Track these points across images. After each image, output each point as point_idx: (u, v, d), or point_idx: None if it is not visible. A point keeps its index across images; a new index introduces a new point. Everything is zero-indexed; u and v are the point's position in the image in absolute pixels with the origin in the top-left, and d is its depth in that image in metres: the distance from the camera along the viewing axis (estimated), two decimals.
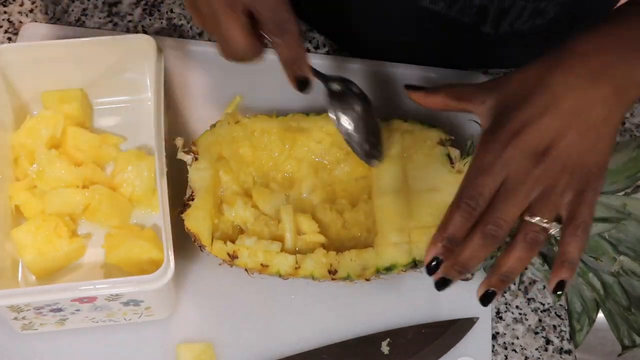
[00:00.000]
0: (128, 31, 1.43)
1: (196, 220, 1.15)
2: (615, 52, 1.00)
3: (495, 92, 1.06)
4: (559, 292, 1.05)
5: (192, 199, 1.16)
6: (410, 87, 1.17)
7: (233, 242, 1.15)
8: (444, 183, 1.17)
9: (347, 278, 1.14)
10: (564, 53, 1.02)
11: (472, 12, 1.27)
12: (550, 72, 1.01)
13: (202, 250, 1.16)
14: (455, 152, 1.18)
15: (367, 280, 1.15)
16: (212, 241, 1.15)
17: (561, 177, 0.99)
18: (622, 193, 1.13)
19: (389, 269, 1.14)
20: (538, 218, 0.99)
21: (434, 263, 1.01)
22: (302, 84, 1.09)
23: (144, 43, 1.22)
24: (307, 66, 1.09)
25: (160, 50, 1.22)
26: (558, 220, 1.02)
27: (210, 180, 1.17)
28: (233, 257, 1.14)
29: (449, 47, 1.39)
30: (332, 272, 1.14)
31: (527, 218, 1.01)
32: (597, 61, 0.99)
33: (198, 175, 1.17)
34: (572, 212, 1.01)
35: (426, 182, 1.17)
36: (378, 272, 1.14)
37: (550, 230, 1.01)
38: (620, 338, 1.17)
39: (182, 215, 1.15)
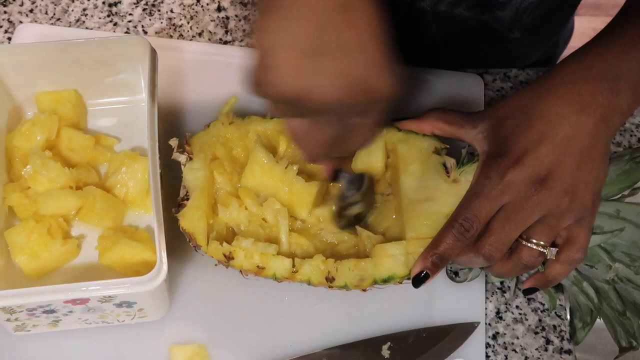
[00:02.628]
0: (128, 31, 1.43)
1: (191, 220, 1.14)
2: (600, 82, 1.03)
3: (487, 117, 1.09)
4: (528, 294, 1.13)
5: (187, 199, 1.15)
6: (397, 120, 1.20)
7: (229, 243, 1.15)
8: (439, 192, 1.16)
9: (344, 287, 1.14)
10: (554, 82, 1.06)
11: (503, 22, 1.28)
12: (542, 100, 1.04)
13: (196, 251, 1.16)
14: (450, 161, 1.17)
15: (364, 290, 1.15)
16: (207, 241, 1.14)
17: (560, 203, 1.01)
18: (619, 195, 1.13)
19: (386, 281, 1.13)
20: (535, 241, 1.02)
21: (421, 275, 1.05)
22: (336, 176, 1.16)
23: (138, 44, 1.22)
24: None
25: (154, 51, 1.22)
26: (554, 244, 1.04)
27: (204, 179, 1.17)
28: (229, 258, 1.13)
29: (455, 47, 1.39)
30: (330, 280, 1.13)
31: (525, 242, 1.03)
32: (585, 90, 1.03)
33: (192, 175, 1.17)
34: (571, 237, 1.04)
35: (422, 191, 1.16)
36: (375, 283, 1.14)
37: (547, 256, 1.03)
38: (617, 339, 1.17)
39: (177, 215, 1.15)
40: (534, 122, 1.03)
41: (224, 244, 1.14)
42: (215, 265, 1.16)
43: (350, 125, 0.94)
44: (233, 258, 1.13)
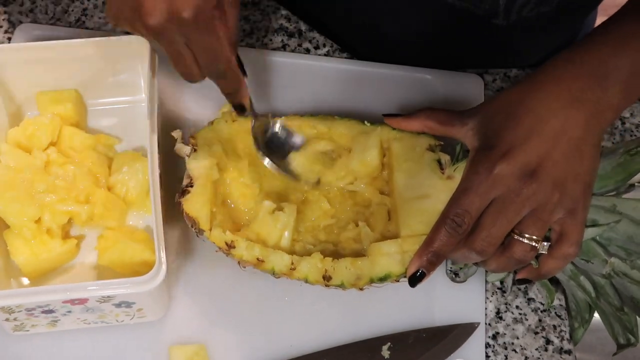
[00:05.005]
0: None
1: (195, 205, 1.14)
2: (590, 78, 1.04)
3: (477, 114, 1.09)
4: (521, 284, 1.14)
5: (191, 185, 1.15)
6: (387, 115, 1.20)
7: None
8: (434, 189, 1.16)
9: (341, 285, 1.14)
10: (544, 78, 1.06)
11: (485, 6, 1.27)
12: (532, 96, 1.04)
13: (198, 236, 1.15)
14: (445, 158, 1.18)
15: (361, 289, 1.15)
16: (210, 227, 1.14)
17: (551, 196, 1.01)
18: (613, 193, 1.13)
19: (382, 279, 1.13)
20: (527, 236, 1.02)
21: (417, 274, 1.05)
22: (240, 109, 1.14)
23: (137, 44, 1.22)
24: (246, 95, 1.13)
25: (154, 51, 1.22)
26: (546, 238, 1.04)
27: (209, 169, 1.17)
28: (230, 246, 1.13)
29: (458, 44, 1.39)
30: (327, 278, 1.13)
31: (517, 237, 1.03)
32: (574, 86, 1.03)
33: (197, 164, 1.17)
34: (564, 231, 1.04)
35: (416, 189, 1.17)
36: (372, 281, 1.14)
37: (539, 250, 1.03)
38: (614, 336, 1.17)
39: (181, 200, 1.14)
40: (523, 116, 1.03)
41: (227, 232, 1.14)
42: (216, 251, 1.15)
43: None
44: (234, 247, 1.13)
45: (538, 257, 1.07)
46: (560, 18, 1.35)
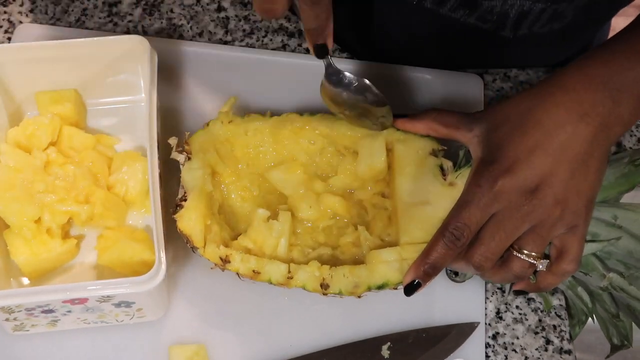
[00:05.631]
0: (128, 31, 1.42)
1: (189, 221, 1.14)
2: (603, 91, 1.01)
3: (483, 121, 1.08)
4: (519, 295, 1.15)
5: (185, 199, 1.15)
6: (393, 115, 1.18)
7: (225, 245, 1.15)
8: (435, 196, 1.15)
9: (339, 294, 1.13)
10: (553, 87, 1.03)
11: (493, 18, 1.27)
12: (540, 106, 1.02)
13: (194, 252, 1.16)
14: (448, 164, 1.16)
15: (359, 297, 1.14)
16: (204, 243, 1.14)
17: (552, 213, 1.00)
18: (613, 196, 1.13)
19: (380, 287, 1.13)
20: (526, 252, 1.01)
21: (414, 284, 1.04)
22: (321, 51, 1.07)
23: (137, 44, 1.22)
24: (330, 36, 1.06)
25: (153, 51, 1.22)
26: (545, 255, 1.03)
27: (202, 180, 1.16)
28: (225, 261, 1.13)
29: (460, 47, 1.39)
30: (324, 287, 1.13)
31: (516, 253, 1.02)
32: (585, 98, 1.01)
33: (190, 175, 1.16)
34: (564, 247, 1.03)
35: (417, 194, 1.16)
36: (369, 289, 1.13)
37: (538, 267, 1.03)
38: (609, 337, 1.17)
39: (175, 216, 1.14)
40: (529, 129, 1.02)
41: (221, 247, 1.14)
42: (212, 268, 1.16)
43: None
44: (229, 261, 1.13)
45: (536, 272, 1.07)
46: (574, 33, 1.35)
